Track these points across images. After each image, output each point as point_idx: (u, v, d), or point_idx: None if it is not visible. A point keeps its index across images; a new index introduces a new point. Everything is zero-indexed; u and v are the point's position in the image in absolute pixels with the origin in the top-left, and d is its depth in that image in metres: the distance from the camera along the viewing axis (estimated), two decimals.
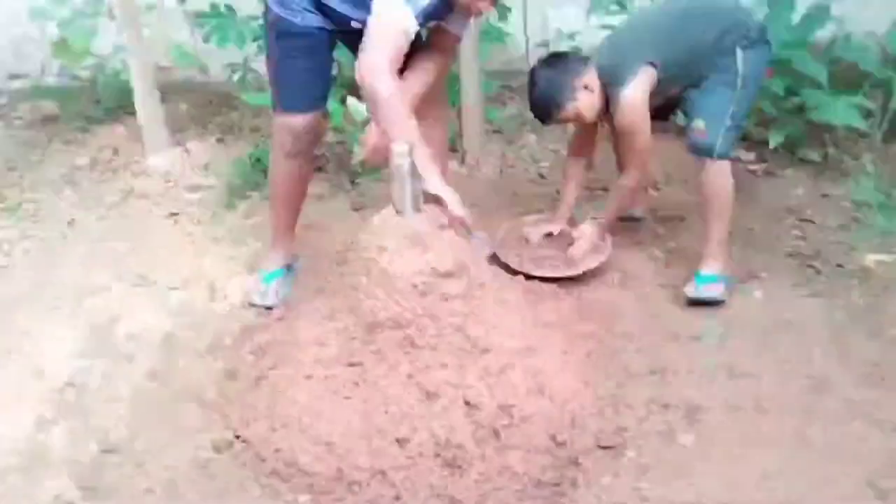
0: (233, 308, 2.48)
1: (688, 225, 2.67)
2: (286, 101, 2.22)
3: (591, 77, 2.27)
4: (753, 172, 3.03)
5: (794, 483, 1.65)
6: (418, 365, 1.77)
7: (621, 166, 2.41)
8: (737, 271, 2.37)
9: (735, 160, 2.50)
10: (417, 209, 1.87)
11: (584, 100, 2.26)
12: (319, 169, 3.23)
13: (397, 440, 1.70)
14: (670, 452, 1.76)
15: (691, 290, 2.24)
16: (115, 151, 3.73)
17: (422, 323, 1.79)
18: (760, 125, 3.11)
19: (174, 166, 3.51)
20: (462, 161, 3.26)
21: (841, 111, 2.84)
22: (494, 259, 2.36)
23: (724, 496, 1.63)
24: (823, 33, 3.21)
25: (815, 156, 3.09)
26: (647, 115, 2.23)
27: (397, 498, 1.66)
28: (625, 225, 2.66)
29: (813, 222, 2.67)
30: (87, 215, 3.18)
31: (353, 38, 2.06)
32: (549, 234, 2.53)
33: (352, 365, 1.82)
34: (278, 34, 2.15)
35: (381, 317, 1.80)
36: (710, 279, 2.25)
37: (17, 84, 4.81)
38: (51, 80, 4.42)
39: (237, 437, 1.88)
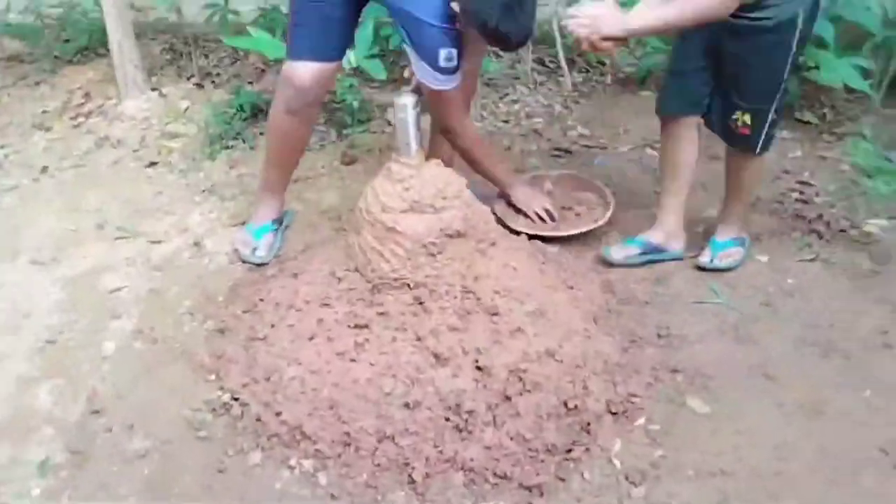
0: (220, 264, 2.38)
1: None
2: (297, 48, 2.08)
3: None
4: None
5: (806, 452, 1.64)
6: (427, 326, 1.70)
7: None
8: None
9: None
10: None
11: None
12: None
13: (406, 404, 1.64)
14: (681, 419, 1.74)
15: (706, 259, 2.21)
16: (87, 95, 3.54)
17: (431, 284, 1.72)
18: None
19: (150, 112, 3.35)
20: None
21: (844, 72, 2.80)
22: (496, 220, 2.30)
23: (736, 465, 1.62)
24: None
25: (812, 117, 3.06)
26: None
27: (406, 464, 1.61)
28: (629, 187, 2.61)
29: (812, 185, 2.64)
30: (61, 163, 3.03)
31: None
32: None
33: (357, 327, 1.75)
34: None
35: (388, 277, 1.73)
36: (726, 245, 2.23)
37: None
38: (13, 16, 4.15)
39: (235, 398, 1.81)
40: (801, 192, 2.60)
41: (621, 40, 1.90)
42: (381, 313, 1.74)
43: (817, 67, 2.88)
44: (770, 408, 1.75)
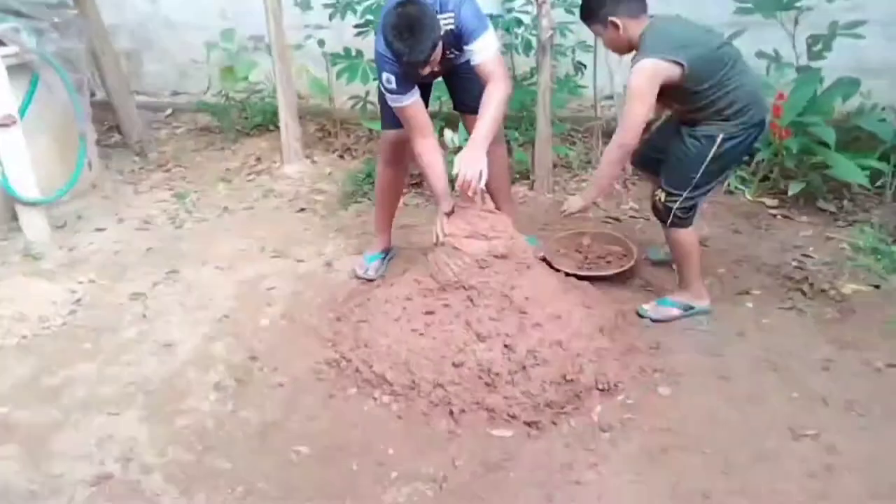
0: (343, 278, 3.29)
1: (710, 252, 3.30)
2: (387, 120, 2.99)
3: (623, 20, 2.48)
4: (773, 215, 3.62)
5: (731, 423, 2.27)
6: (474, 316, 2.50)
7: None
8: (731, 287, 2.99)
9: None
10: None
11: (609, 31, 2.54)
12: (417, 185, 4.06)
13: (453, 364, 2.42)
14: (650, 398, 2.41)
15: (647, 308, 2.80)
16: (259, 159, 4.70)
17: (480, 287, 2.52)
18: (785, 177, 3.70)
19: (304, 174, 4.43)
20: (531, 187, 4.01)
21: (847, 170, 3.42)
22: (544, 260, 3.07)
23: (678, 426, 2.27)
24: (854, 101, 3.81)
25: (831, 207, 3.65)
26: (653, 92, 2.43)
27: (449, 403, 2.38)
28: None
29: (812, 257, 3.24)
30: (237, 206, 4.11)
31: (450, 78, 2.93)
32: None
33: (428, 313, 2.57)
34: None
35: (451, 281, 2.55)
36: (668, 303, 2.79)
37: (180, 100, 5.95)
38: (209, 97, 5.47)
39: (343, 358, 2.66)
40: (800, 262, 3.20)
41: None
42: (445, 305, 2.56)
43: (828, 166, 3.52)
44: (717, 397, 2.39)
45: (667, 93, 2.47)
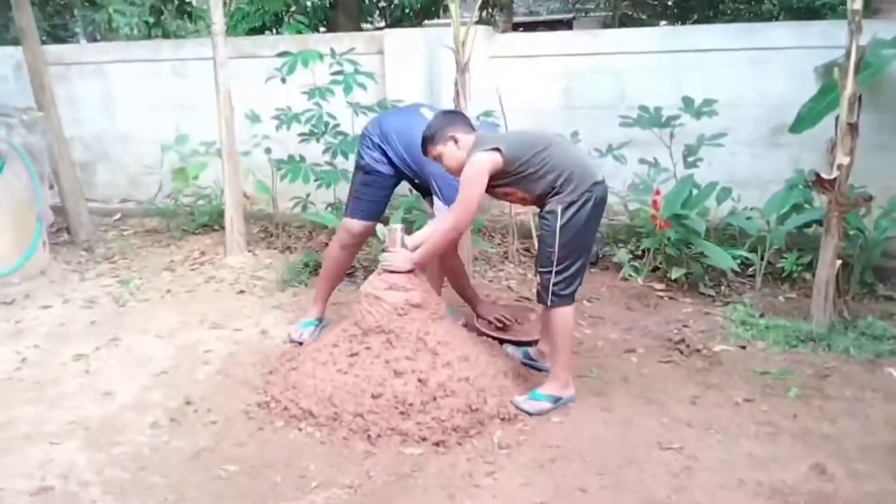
0: (277, 343, 3.60)
1: (604, 323, 3.76)
2: (353, 210, 3.47)
3: (459, 135, 2.84)
4: (661, 297, 4.14)
5: (613, 440, 2.63)
6: (393, 356, 2.84)
7: None
8: (620, 347, 3.43)
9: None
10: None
11: (448, 148, 2.85)
12: (350, 274, 4.47)
13: (372, 395, 2.74)
14: (546, 425, 2.75)
15: (520, 400, 2.88)
16: (203, 253, 5.06)
17: (398, 331, 2.89)
18: (671, 265, 4.27)
19: (245, 264, 4.80)
20: None
21: (720, 257, 4.00)
22: (467, 325, 3.47)
23: (568, 443, 2.61)
24: (727, 206, 4.50)
25: (710, 291, 4.21)
26: (483, 180, 2.75)
27: (367, 429, 2.67)
28: None
29: (691, 327, 3.73)
30: (180, 289, 4.42)
31: (414, 183, 3.43)
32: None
33: (352, 355, 2.90)
34: (363, 170, 3.40)
35: (373, 326, 2.92)
36: (540, 397, 2.88)
37: (129, 206, 6.34)
38: (159, 201, 5.88)
39: (273, 399, 2.93)
40: (680, 330, 3.69)
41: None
42: (367, 347, 2.90)
43: (705, 255, 4.12)
44: (599, 422, 2.76)
45: (502, 181, 2.83)
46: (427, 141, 2.92)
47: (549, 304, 2.87)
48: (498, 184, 2.86)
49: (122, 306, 4.14)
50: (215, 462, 2.56)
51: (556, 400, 2.90)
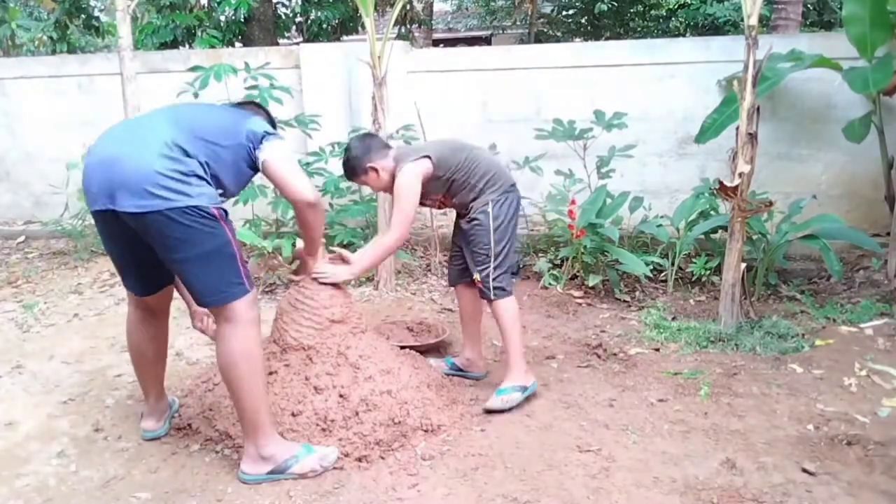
0: (192, 361, 3.48)
1: (526, 331, 3.81)
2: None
3: (376, 161, 2.93)
4: (580, 304, 4.24)
5: (534, 445, 2.66)
6: (313, 372, 2.80)
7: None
8: (541, 354, 3.49)
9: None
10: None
11: (371, 177, 2.96)
12: (270, 291, 4.39)
13: (292, 414, 2.68)
14: (468, 434, 2.76)
15: (493, 403, 2.92)
16: (112, 274, 4.86)
17: (318, 347, 2.85)
18: (588, 273, 4.38)
19: None
20: (376, 287, 4.44)
21: (633, 264, 4.13)
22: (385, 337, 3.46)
23: (490, 451, 2.62)
24: (639, 214, 4.65)
25: (626, 297, 4.34)
26: (416, 189, 2.86)
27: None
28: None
29: (606, 332, 3.83)
30: (88, 312, 4.23)
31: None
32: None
33: (270, 373, 2.84)
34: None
35: (292, 343, 2.87)
36: (506, 391, 2.95)
37: (34, 227, 6.05)
38: (64, 224, 5.63)
39: (189, 425, 2.83)
40: (597, 335, 3.78)
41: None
42: (286, 365, 2.84)
43: (620, 262, 4.24)
44: (520, 429, 2.79)
45: (433, 187, 2.93)
46: (349, 174, 3.03)
47: (493, 298, 2.99)
48: (428, 190, 2.95)
49: (25, 332, 3.94)
50: (126, 490, 2.44)
51: (524, 389, 2.98)
